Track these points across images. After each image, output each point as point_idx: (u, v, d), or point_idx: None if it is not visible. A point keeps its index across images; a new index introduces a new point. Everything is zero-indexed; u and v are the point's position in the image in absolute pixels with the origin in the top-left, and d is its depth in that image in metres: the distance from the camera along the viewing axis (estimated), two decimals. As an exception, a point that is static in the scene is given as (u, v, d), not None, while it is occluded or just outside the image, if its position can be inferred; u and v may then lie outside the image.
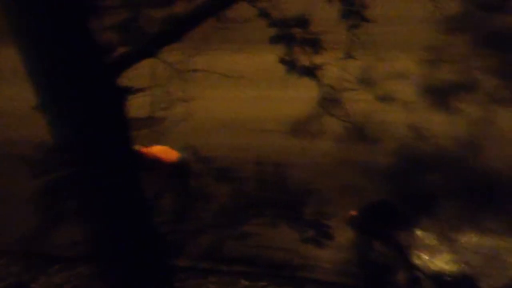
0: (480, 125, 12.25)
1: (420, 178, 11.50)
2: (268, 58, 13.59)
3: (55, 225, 9.68)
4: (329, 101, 8.99)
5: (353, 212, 10.02)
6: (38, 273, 11.25)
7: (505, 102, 12.58)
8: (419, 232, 10.73)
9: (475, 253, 10.27)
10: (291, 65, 7.80)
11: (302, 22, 7.90)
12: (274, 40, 7.72)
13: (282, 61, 7.81)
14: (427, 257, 10.24)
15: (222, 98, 13.35)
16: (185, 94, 8.73)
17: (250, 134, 12.74)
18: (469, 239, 10.50)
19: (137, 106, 11.76)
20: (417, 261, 10.36)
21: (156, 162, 10.46)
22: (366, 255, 10.46)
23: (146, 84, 12.12)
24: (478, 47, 13.37)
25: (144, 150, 10.75)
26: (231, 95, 13.36)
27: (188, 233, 10.53)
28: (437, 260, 10.17)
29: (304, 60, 7.76)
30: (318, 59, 7.79)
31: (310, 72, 7.94)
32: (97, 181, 6.78)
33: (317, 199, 10.35)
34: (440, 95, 12.99)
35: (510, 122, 12.18)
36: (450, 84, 13.15)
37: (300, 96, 12.21)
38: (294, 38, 7.83)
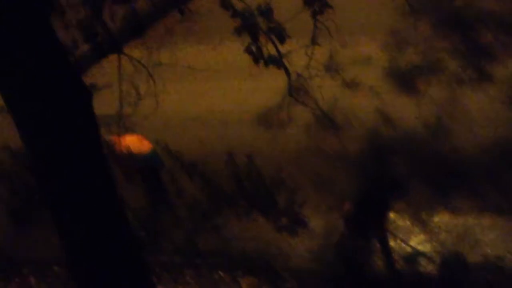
0: (446, 106, 12.32)
1: (389, 162, 11.55)
2: (233, 49, 13.58)
3: (27, 227, 9.62)
4: (297, 89, 8.99)
5: (348, 205, 10.00)
6: (13, 275, 11.17)
7: (470, 82, 12.67)
8: (392, 215, 10.80)
9: (447, 232, 10.36)
10: (257, 55, 7.78)
11: (266, 11, 7.88)
12: (239, 30, 7.69)
13: (248, 51, 7.78)
14: (401, 239, 10.31)
15: (189, 91, 13.31)
16: (151, 88, 8.67)
17: (219, 126, 12.72)
18: (441, 219, 10.59)
19: (104, 103, 11.74)
20: (391, 243, 10.43)
21: (127, 153, 10.37)
22: (343, 241, 10.53)
23: (112, 80, 12.11)
24: (441, 28, 13.43)
25: (116, 140, 10.67)
26: (198, 87, 13.32)
27: (162, 228, 10.51)
28: (411, 241, 10.26)
29: (269, 49, 7.75)
30: (283, 48, 7.78)
31: (276, 61, 7.93)
32: (67, 180, 6.72)
33: (289, 187, 10.37)
34: (405, 78, 13.04)
35: (476, 102, 12.28)
36: (415, 66, 13.20)
37: (268, 85, 12.20)
38: (259, 28, 7.81)
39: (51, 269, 11.09)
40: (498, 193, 10.71)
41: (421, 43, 13.61)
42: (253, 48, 7.71)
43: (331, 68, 9.64)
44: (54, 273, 11.04)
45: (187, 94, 13.29)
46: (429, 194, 10.82)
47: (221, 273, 10.51)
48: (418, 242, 10.32)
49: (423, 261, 10.07)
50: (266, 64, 7.83)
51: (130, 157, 10.47)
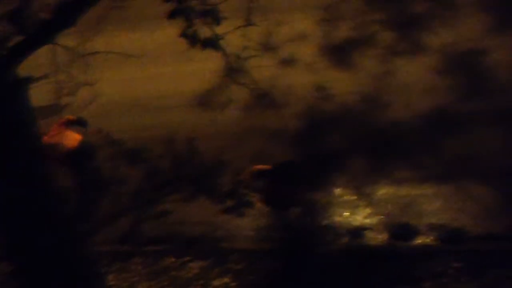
0: (382, 79, 12.43)
1: (330, 137, 11.62)
2: (168, 33, 13.44)
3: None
4: (234, 70, 8.96)
5: (257, 167, 9.94)
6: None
7: (405, 54, 12.78)
8: (337, 190, 10.88)
9: (392, 204, 10.48)
10: (192, 38, 7.72)
11: (199, -7, 7.82)
12: (172, 14, 7.61)
13: (183, 35, 7.71)
14: (347, 213, 10.40)
15: (126, 78, 13.18)
16: (88, 77, 8.56)
17: (158, 112, 12.65)
18: (386, 191, 10.71)
19: (41, 95, 11.57)
20: (338, 218, 10.51)
21: (57, 147, 10.19)
22: (284, 218, 10.56)
23: (47, 71, 11.91)
24: (374, 1, 13.53)
25: (45, 136, 10.48)
26: (135, 74, 13.21)
27: (106, 217, 10.40)
28: (357, 215, 10.35)
29: (205, 32, 7.69)
30: (219, 29, 7.73)
31: (213, 43, 7.87)
32: (3, 176, 6.60)
33: (232, 168, 10.34)
34: (341, 53, 13.11)
35: (412, 73, 12.41)
36: (350, 40, 13.28)
37: (205, 68, 12.15)
38: (193, 10, 7.74)
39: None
40: (438, 162, 10.86)
41: (355, 17, 13.69)
42: (189, 32, 7.64)
43: (268, 47, 9.64)
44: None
45: (125, 81, 13.16)
46: (371, 168, 10.92)
47: (170, 258, 10.48)
48: (364, 215, 10.42)
49: (370, 235, 10.18)
50: (203, 47, 7.77)
51: (60, 149, 10.28)
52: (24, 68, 6.61)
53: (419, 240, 9.93)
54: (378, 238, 10.15)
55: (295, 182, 9.63)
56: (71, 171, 11.05)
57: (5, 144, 6.41)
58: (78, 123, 11.04)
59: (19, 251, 6.96)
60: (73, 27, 7.01)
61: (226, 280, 9.94)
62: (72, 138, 10.69)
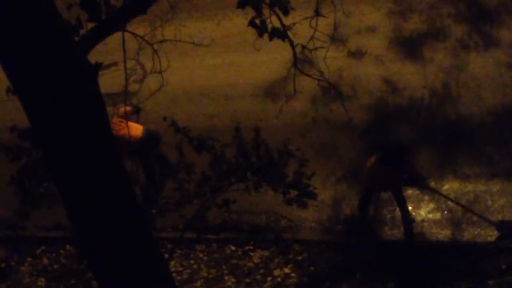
0: (452, 73, 12.29)
1: (396, 130, 11.54)
2: (237, 23, 13.58)
3: (36, 207, 9.65)
4: (302, 61, 8.95)
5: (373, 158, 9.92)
6: (25, 256, 11.23)
7: (475, 47, 12.62)
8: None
9: (458, 199, 10.36)
10: (261, 28, 7.72)
11: (269, -17, 7.82)
12: (241, 4, 7.62)
13: (251, 24, 7.71)
14: (410, 207, 10.32)
15: (195, 66, 13.29)
16: (156, 65, 8.64)
17: (226, 101, 12.72)
18: (451, 186, 10.59)
19: (110, 82, 11.75)
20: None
21: (125, 140, 10.33)
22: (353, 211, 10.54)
23: (116, 59, 12.09)
24: (445, -6, 13.38)
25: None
26: (203, 63, 13.30)
27: (171, 204, 10.53)
28: (421, 210, 10.27)
29: (274, 22, 7.70)
30: (287, 20, 7.72)
31: (281, 33, 7.85)
32: (76, 162, 6.71)
33: (297, 159, 10.35)
34: (410, 46, 13.00)
35: (482, 67, 12.24)
36: (420, 33, 13.16)
37: (273, 58, 12.18)
38: (262, 1, 7.74)
39: (63, 249, 11.14)
40: (507, 158, 10.71)
41: (425, 10, 13.55)
42: (257, 22, 7.64)
43: (336, 38, 9.60)
44: (67, 253, 11.09)
45: (193, 70, 13.27)
46: (438, 162, 10.82)
47: (232, 247, 10.55)
48: (427, 210, 10.33)
49: (433, 229, 10.09)
50: (271, 37, 7.75)
51: (127, 141, 10.42)
52: (94, 55, 6.71)
53: (483, 237, 9.80)
54: (441, 233, 10.06)
55: (397, 162, 9.61)
56: (138, 159, 11.21)
57: (76, 131, 6.53)
58: (134, 112, 11.21)
59: (87, 235, 7.09)
60: (143, 15, 7.09)
61: (286, 270, 9.97)
62: (136, 128, 10.86)
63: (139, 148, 10.97)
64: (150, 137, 11.08)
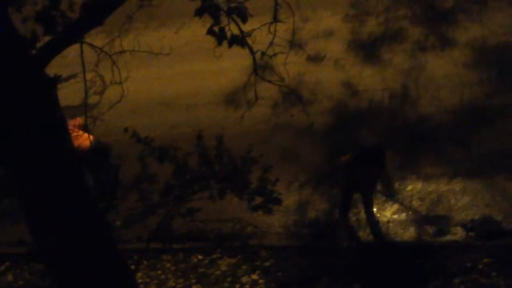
0: (410, 74, 12.39)
1: (357, 133, 11.60)
2: (196, 31, 13.55)
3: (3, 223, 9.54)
4: (262, 67, 8.97)
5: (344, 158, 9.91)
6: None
7: (433, 48, 12.74)
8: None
9: (421, 200, 10.43)
10: (220, 36, 7.71)
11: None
12: (199, 12, 7.60)
13: (211, 32, 7.70)
14: (375, 209, 10.36)
15: (154, 76, 13.25)
16: (115, 76, 8.59)
17: (187, 110, 12.69)
18: (414, 187, 10.66)
19: (70, 94, 11.66)
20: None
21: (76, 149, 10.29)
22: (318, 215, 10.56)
23: (75, 71, 12.00)
24: (401, -3, 13.49)
25: None
26: (163, 72, 13.26)
27: (136, 215, 10.46)
28: (386, 211, 10.32)
29: (232, 29, 7.69)
30: (246, 27, 7.73)
31: (240, 40, 7.85)
32: (34, 174, 6.64)
33: (260, 166, 10.35)
34: (369, 49, 13.08)
35: (439, 67, 12.35)
36: (377, 36, 13.25)
37: (233, 65, 12.17)
38: (219, 8, 7.73)
39: (28, 264, 11.02)
40: (467, 157, 10.80)
41: (381, 13, 13.65)
42: (216, 29, 7.63)
43: (295, 44, 9.64)
44: (32, 270, 10.97)
45: (153, 80, 13.23)
46: (399, 163, 10.88)
47: (199, 256, 10.51)
48: (392, 211, 10.39)
49: (398, 230, 10.14)
50: (230, 44, 7.75)
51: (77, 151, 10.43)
52: (53, 68, 6.66)
53: (447, 236, 9.88)
54: (406, 234, 10.11)
55: (375, 164, 9.60)
56: (92, 169, 11.13)
57: (35, 144, 6.47)
58: (85, 125, 11.23)
59: (50, 250, 7.02)
60: (101, 26, 7.05)
61: (254, 277, 9.95)
62: (85, 138, 10.83)
63: (87, 158, 10.91)
64: (99, 148, 11.04)
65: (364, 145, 10.35)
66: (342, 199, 10.14)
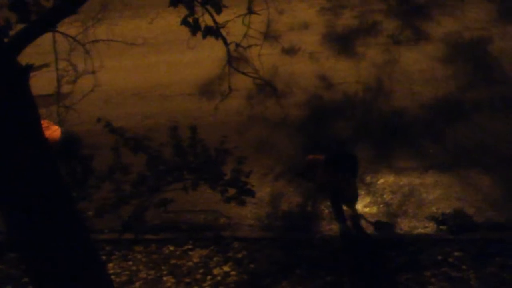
0: (385, 67, 12.43)
1: (331, 126, 11.62)
2: (170, 21, 13.51)
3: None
4: (237, 59, 8.95)
5: (313, 156, 9.89)
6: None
7: (407, 42, 12.80)
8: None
9: (392, 193, 10.48)
10: (194, 27, 7.69)
11: (200, -19, 7.79)
12: (174, 2, 7.57)
13: (185, 23, 7.67)
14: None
15: (128, 66, 13.18)
16: (89, 66, 8.55)
17: (161, 100, 12.64)
18: (386, 180, 10.70)
19: (43, 83, 11.56)
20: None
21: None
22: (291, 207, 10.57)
23: (49, 60, 11.92)
24: (376, -10, 13.53)
25: None
26: (137, 62, 13.20)
27: (108, 206, 10.42)
28: (358, 204, 10.33)
29: (207, 20, 7.67)
30: (220, 18, 7.71)
31: (214, 32, 7.84)
32: (5, 164, 6.59)
33: (234, 157, 10.34)
34: (343, 42, 13.11)
35: (413, 61, 12.40)
36: (352, 29, 13.29)
37: (207, 56, 12.15)
38: (194, -1, 7.71)
39: (6, 255, 10.95)
40: (440, 151, 10.86)
41: (356, 6, 13.69)
42: (190, 20, 7.60)
43: (270, 36, 9.64)
44: (7, 261, 10.89)
45: (126, 70, 13.16)
46: (373, 156, 10.93)
47: (171, 247, 10.48)
48: (363, 204, 10.43)
49: (370, 223, 10.18)
50: (204, 35, 7.73)
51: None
52: (25, 57, 6.60)
53: (419, 229, 9.93)
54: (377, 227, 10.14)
55: (345, 170, 9.60)
56: (65, 160, 11.08)
57: (6, 132, 6.41)
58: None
59: (23, 240, 6.97)
60: (74, 15, 7.00)
61: (226, 268, 9.95)
62: (53, 130, 10.77)
63: (57, 149, 10.85)
64: (69, 139, 10.99)
65: (336, 151, 10.32)
66: (332, 202, 10.12)
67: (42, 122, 10.43)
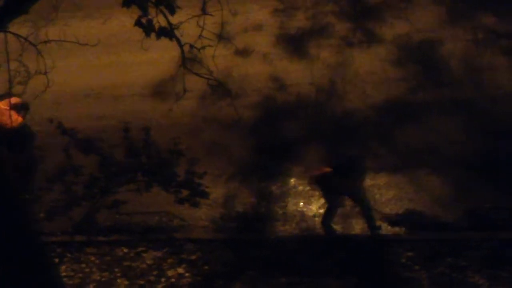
0: (337, 69, 12.51)
1: (285, 127, 11.66)
2: (124, 22, 13.39)
3: None
4: (190, 60, 8.93)
5: (320, 170, 9.90)
6: None
7: (359, 44, 12.88)
8: (292, 180, 10.92)
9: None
10: (148, 28, 7.65)
11: (154, -18, 7.75)
12: (126, 3, 7.52)
13: (138, 24, 7.63)
14: (302, 203, 10.46)
15: (80, 66, 13.07)
16: (40, 66, 8.46)
17: (113, 101, 12.56)
18: (340, 181, 10.76)
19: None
20: (292, 208, 10.56)
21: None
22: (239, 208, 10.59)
23: (0, 60, 11.75)
24: (329, -8, 13.60)
25: None
26: (90, 63, 13.09)
27: (60, 207, 10.33)
28: (312, 205, 10.41)
29: (160, 21, 7.64)
30: (174, 19, 7.68)
31: (168, 32, 7.81)
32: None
33: (188, 159, 10.33)
34: (296, 43, 13.16)
35: (366, 63, 12.50)
36: (305, 31, 13.34)
37: (160, 57, 12.09)
38: (148, 0, 7.67)
39: None
40: (392, 152, 10.97)
41: (309, 8, 13.75)
42: (144, 21, 7.56)
43: (224, 37, 9.62)
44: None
45: (79, 70, 13.05)
46: (325, 157, 10.97)
47: (124, 249, 10.42)
48: (318, 205, 10.48)
49: (323, 224, 10.23)
50: (158, 36, 7.70)
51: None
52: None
53: (371, 230, 10.01)
54: (331, 227, 10.21)
55: (351, 174, 9.67)
56: (11, 153, 10.97)
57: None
58: (22, 107, 11.08)
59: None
60: (26, 15, 6.93)
61: (180, 270, 9.93)
62: (15, 119, 10.66)
63: (10, 139, 10.75)
64: (25, 132, 10.90)
65: (343, 157, 10.37)
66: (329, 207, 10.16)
67: (8, 109, 10.39)
